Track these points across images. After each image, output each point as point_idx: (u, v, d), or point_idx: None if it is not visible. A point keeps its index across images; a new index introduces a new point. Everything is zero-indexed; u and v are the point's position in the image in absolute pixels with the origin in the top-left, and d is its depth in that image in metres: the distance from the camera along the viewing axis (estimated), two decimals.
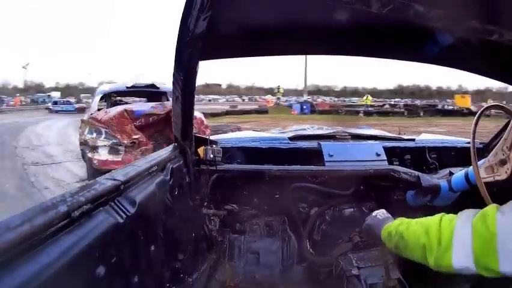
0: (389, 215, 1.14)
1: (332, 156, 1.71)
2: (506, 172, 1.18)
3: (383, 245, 1.17)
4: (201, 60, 1.13)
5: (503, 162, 1.21)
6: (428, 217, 0.90)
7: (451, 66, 1.58)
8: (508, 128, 1.25)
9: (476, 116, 1.19)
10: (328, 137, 1.98)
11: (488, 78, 1.57)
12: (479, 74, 1.55)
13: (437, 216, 0.87)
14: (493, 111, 1.46)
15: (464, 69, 1.57)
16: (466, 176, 1.39)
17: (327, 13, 1.09)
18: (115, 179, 0.80)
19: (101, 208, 0.71)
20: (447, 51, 1.31)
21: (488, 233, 0.72)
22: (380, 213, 1.15)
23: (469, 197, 1.39)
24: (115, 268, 0.71)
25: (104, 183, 0.76)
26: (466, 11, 0.93)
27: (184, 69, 1.10)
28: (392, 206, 1.64)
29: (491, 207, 0.77)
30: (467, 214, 0.81)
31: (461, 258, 0.76)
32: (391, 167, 1.65)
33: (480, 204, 1.07)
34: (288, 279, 1.68)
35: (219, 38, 1.15)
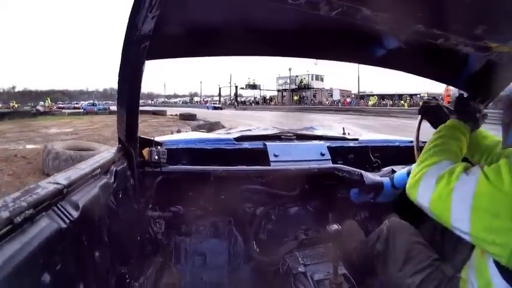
0: None
1: (277, 156, 1.74)
2: None
3: (330, 242, 1.17)
4: (147, 59, 1.11)
5: None
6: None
7: (396, 69, 1.61)
8: None
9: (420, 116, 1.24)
10: (273, 137, 1.97)
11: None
12: (424, 76, 1.60)
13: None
14: None
15: (409, 72, 1.62)
16: (408, 173, 1.39)
17: (275, 15, 1.09)
18: (57, 183, 0.76)
19: (44, 213, 0.67)
20: (393, 54, 1.36)
21: (447, 189, 0.80)
22: None
23: None
24: (60, 275, 0.67)
25: (46, 187, 0.71)
26: (413, 16, 0.95)
27: (131, 68, 1.07)
28: (336, 204, 1.73)
29: (460, 166, 0.84)
30: (447, 162, 0.89)
31: (422, 198, 0.86)
32: (335, 166, 1.68)
33: None
34: (235, 280, 1.69)
35: (166, 37, 1.12)
